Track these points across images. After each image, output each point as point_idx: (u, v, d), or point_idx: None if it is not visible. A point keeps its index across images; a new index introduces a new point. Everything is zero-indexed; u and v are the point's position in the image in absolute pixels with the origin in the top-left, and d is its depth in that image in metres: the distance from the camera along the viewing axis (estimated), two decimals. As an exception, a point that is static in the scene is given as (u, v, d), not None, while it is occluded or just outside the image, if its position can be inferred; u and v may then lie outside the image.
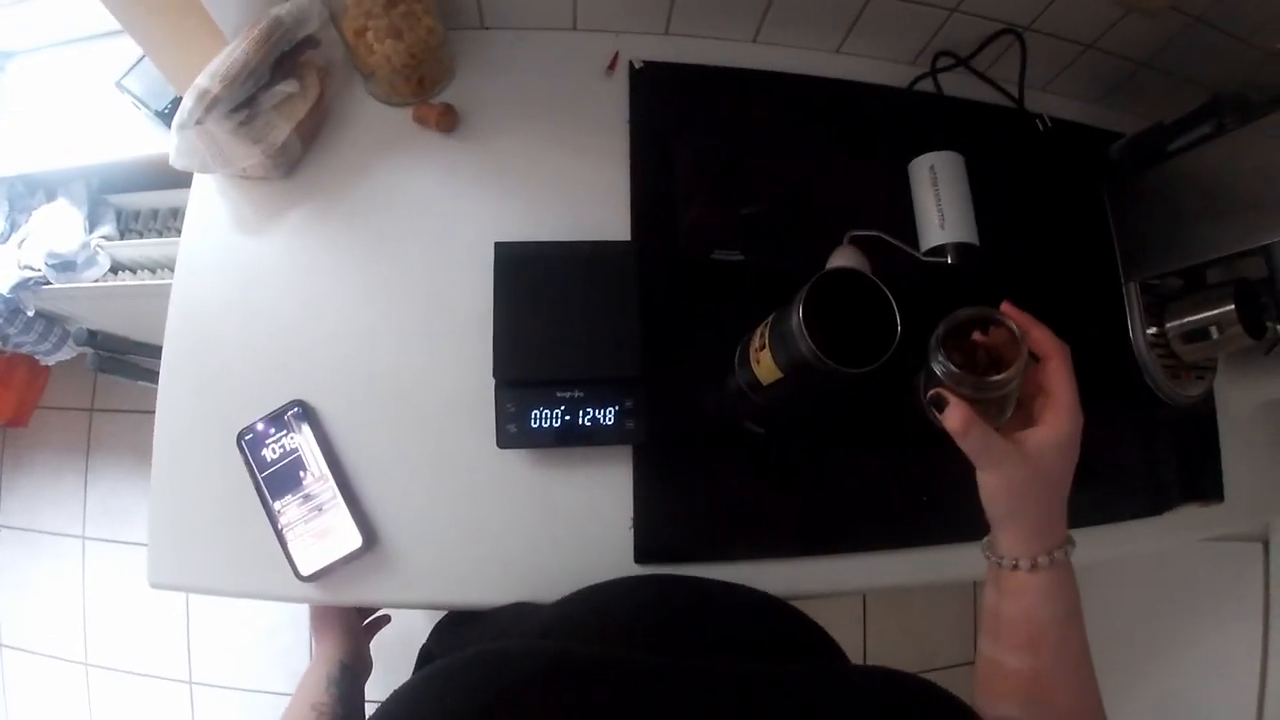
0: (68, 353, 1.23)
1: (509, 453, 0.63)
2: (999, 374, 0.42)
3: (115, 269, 1.07)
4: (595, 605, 0.52)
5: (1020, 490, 0.41)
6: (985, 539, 0.45)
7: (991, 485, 0.42)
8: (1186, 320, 0.78)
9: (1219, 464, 0.85)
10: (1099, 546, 0.75)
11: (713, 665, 0.35)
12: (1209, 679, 1.08)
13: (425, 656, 0.65)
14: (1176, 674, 1.15)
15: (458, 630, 0.66)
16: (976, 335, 0.44)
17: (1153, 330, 0.80)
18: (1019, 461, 0.41)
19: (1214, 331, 0.75)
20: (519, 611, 0.60)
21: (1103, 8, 0.76)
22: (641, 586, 0.54)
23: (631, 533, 0.64)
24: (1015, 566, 0.42)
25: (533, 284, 0.63)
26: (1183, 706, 1.13)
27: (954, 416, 0.41)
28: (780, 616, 0.53)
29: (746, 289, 0.70)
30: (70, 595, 1.58)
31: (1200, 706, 1.10)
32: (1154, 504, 0.80)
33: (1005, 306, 0.44)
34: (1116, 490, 0.78)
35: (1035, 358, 0.43)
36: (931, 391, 0.43)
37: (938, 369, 0.44)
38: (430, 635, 0.69)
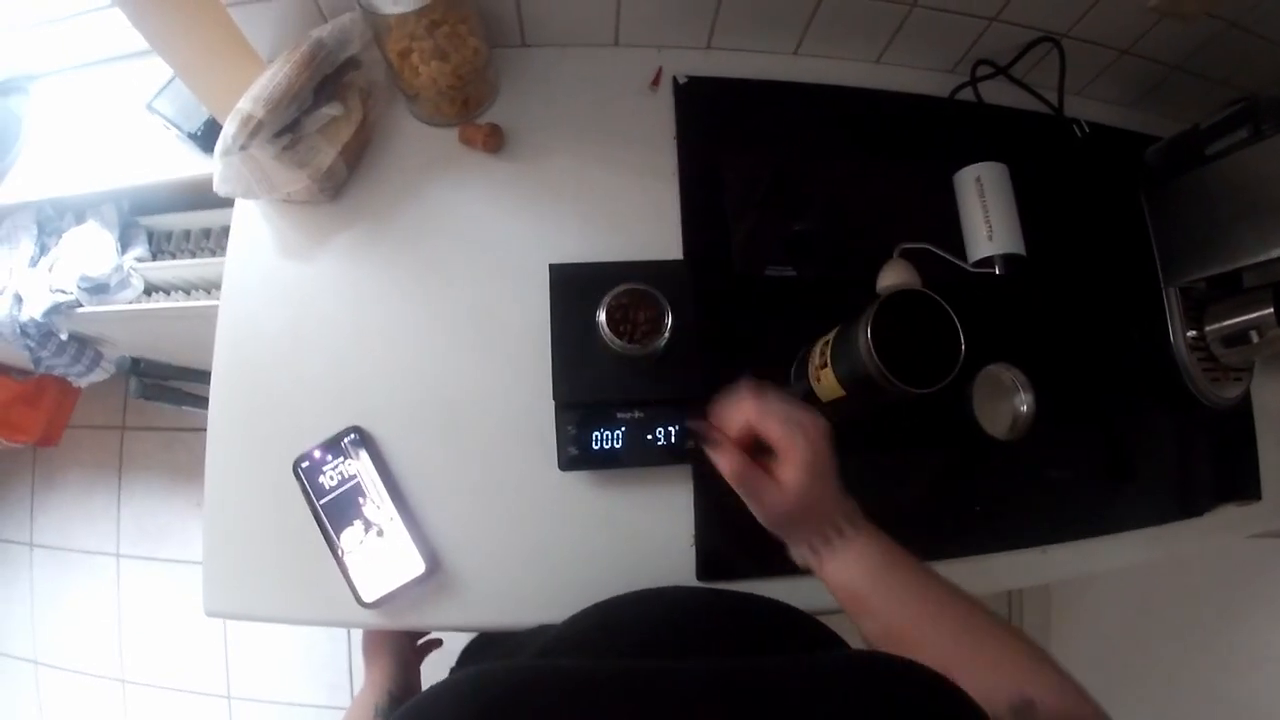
0: (100, 375, 1.22)
1: (569, 474, 0.63)
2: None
3: (149, 290, 1.06)
4: (605, 620, 0.51)
5: (787, 514, 0.49)
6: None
7: (764, 516, 0.50)
8: (1226, 324, 0.78)
9: (1256, 463, 0.85)
10: (1141, 549, 0.76)
11: (698, 665, 0.34)
12: (1251, 672, 1.09)
13: None
14: (1219, 667, 1.16)
15: (478, 653, 0.66)
16: None
17: (1192, 334, 0.80)
18: (779, 492, 0.48)
19: (1254, 335, 0.75)
20: (535, 630, 0.60)
21: (1138, 13, 0.76)
22: (653, 599, 0.53)
23: (694, 550, 0.64)
24: (808, 570, 0.50)
25: (589, 306, 0.63)
26: (1227, 700, 1.13)
27: (725, 464, 0.50)
28: (792, 624, 0.52)
29: (800, 304, 0.70)
30: (105, 612, 1.58)
31: (1244, 699, 1.11)
32: (1194, 505, 0.81)
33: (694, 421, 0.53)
34: (1157, 493, 0.79)
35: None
36: (691, 425, 0.53)
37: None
38: (458, 659, 0.69)
